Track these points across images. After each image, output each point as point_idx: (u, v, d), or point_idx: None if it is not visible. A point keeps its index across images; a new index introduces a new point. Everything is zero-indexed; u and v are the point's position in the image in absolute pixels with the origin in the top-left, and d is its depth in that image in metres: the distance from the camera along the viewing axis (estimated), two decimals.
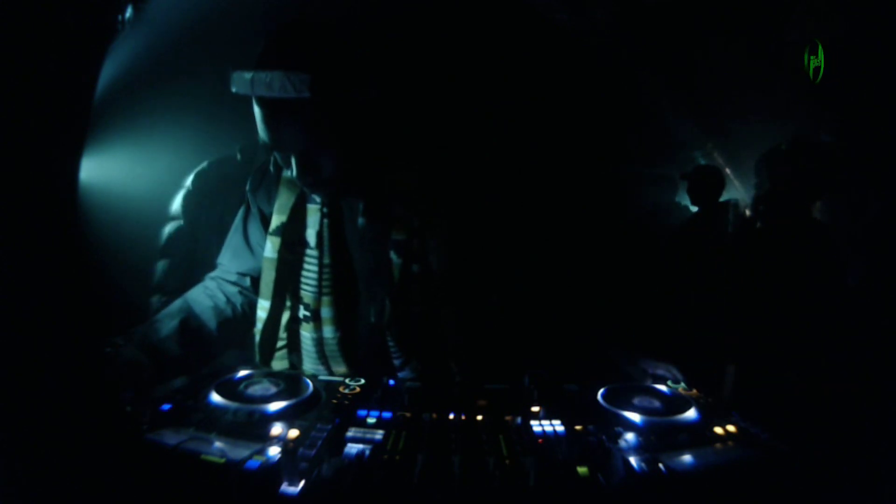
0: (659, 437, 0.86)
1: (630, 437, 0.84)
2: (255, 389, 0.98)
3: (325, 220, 1.16)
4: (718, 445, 0.86)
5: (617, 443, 0.83)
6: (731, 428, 0.90)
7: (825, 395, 1.61)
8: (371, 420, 0.91)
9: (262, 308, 1.18)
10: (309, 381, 1.02)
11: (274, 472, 0.71)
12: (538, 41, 2.30)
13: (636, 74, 2.70)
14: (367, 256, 1.17)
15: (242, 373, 1.08)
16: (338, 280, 1.17)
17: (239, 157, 1.71)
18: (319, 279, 1.16)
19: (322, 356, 1.19)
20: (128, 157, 1.86)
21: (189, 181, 1.79)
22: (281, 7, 1.94)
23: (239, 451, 0.75)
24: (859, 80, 1.83)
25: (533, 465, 0.74)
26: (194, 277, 1.59)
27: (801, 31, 1.88)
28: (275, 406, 0.91)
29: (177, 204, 1.80)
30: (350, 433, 0.85)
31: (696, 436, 0.88)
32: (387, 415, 0.93)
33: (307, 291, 1.18)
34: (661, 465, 0.75)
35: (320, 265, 1.16)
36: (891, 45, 1.69)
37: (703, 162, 2.93)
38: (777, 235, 2.01)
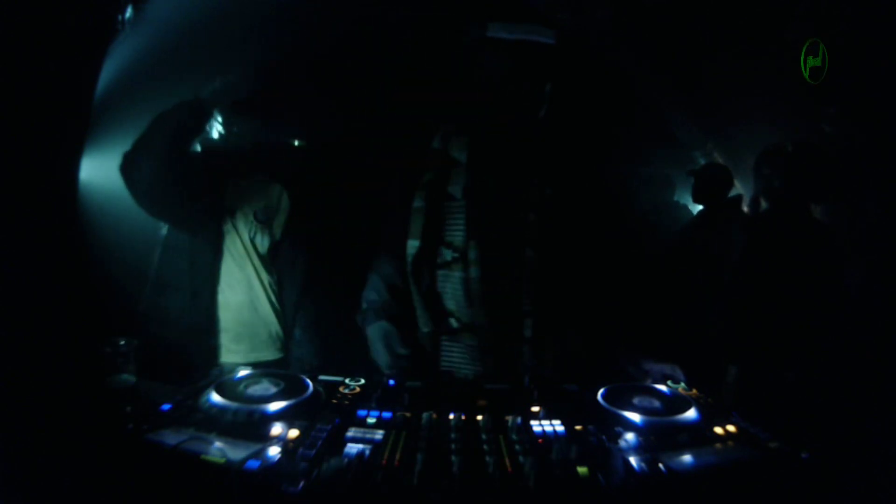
0: (659, 437, 0.86)
1: (630, 437, 0.84)
2: (255, 389, 0.98)
3: (472, 179, 1.33)
4: (718, 445, 0.86)
5: (617, 443, 0.83)
6: (731, 428, 0.90)
7: (825, 395, 1.61)
8: (371, 420, 0.91)
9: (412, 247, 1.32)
10: (309, 381, 1.02)
11: (274, 472, 0.71)
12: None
13: (636, 74, 2.70)
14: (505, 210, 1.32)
15: (242, 373, 1.08)
16: (482, 228, 1.30)
17: None
18: (467, 227, 1.30)
19: (468, 295, 1.29)
20: None
21: None
22: (280, 8, 1.95)
23: (239, 451, 0.75)
24: (859, 80, 1.83)
25: (533, 465, 0.74)
26: None
27: (801, 31, 1.88)
28: (275, 406, 0.91)
29: None
30: (350, 433, 0.85)
31: (696, 436, 0.88)
32: (387, 415, 0.93)
33: (455, 236, 1.32)
34: (661, 465, 0.75)
35: (468, 215, 1.31)
36: (891, 45, 1.69)
37: (703, 161, 2.93)
38: (777, 235, 2.00)
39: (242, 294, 1.68)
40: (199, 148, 1.70)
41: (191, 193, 1.57)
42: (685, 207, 3.10)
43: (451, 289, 1.32)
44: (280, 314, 1.74)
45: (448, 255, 1.31)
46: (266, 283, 1.72)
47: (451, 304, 1.32)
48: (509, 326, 1.29)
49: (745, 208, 2.37)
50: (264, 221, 1.72)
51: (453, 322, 1.32)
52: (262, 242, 1.72)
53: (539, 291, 1.30)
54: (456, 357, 1.33)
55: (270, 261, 1.75)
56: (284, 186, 1.78)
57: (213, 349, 1.62)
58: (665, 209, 3.17)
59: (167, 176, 1.47)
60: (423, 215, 1.31)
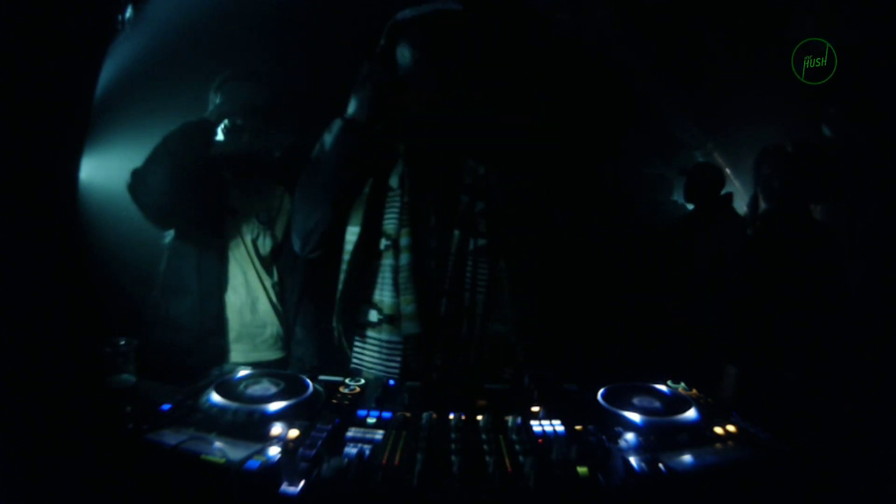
0: (659, 437, 0.86)
1: (630, 437, 0.84)
2: (255, 389, 0.98)
3: (407, 167, 1.34)
4: (718, 445, 0.86)
5: (617, 443, 0.83)
6: (731, 428, 0.90)
7: (825, 394, 1.61)
8: (371, 420, 0.91)
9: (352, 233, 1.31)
10: (309, 381, 1.02)
11: (274, 472, 0.71)
12: (538, 40, 2.30)
13: (636, 74, 2.70)
14: (440, 197, 1.34)
15: (242, 373, 1.08)
16: (415, 215, 1.31)
17: None
18: (400, 216, 1.31)
19: (396, 283, 1.28)
20: (128, 157, 1.86)
21: None
22: (280, 8, 1.95)
23: (239, 451, 0.75)
24: (859, 80, 1.82)
25: (533, 465, 0.74)
26: None
27: (802, 31, 1.88)
28: (275, 406, 0.91)
29: None
30: (350, 433, 0.85)
31: (696, 436, 0.88)
32: (387, 415, 0.93)
33: (389, 224, 1.32)
34: (661, 465, 0.75)
35: (402, 203, 1.31)
36: (891, 45, 1.69)
37: (702, 160, 2.94)
38: (777, 235, 2.00)
39: (244, 295, 1.68)
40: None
41: (199, 203, 1.59)
42: (682, 206, 3.11)
43: (379, 278, 1.31)
44: (281, 314, 1.74)
45: (382, 243, 1.32)
46: (267, 283, 1.72)
47: (376, 294, 1.31)
48: (435, 314, 1.28)
49: (745, 207, 2.38)
50: (266, 223, 1.73)
51: (374, 315, 1.30)
52: (265, 244, 1.72)
53: (462, 274, 1.30)
54: (368, 355, 1.31)
55: (272, 262, 1.75)
56: (286, 188, 1.78)
57: (222, 351, 1.63)
58: (662, 208, 3.18)
59: (176, 195, 1.51)
60: (366, 202, 1.31)
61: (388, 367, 1.27)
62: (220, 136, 1.65)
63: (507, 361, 1.32)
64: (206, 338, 1.61)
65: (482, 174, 1.36)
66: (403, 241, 1.29)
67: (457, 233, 1.31)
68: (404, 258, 1.28)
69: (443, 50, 1.27)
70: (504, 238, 1.35)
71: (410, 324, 1.25)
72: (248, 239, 1.69)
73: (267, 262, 1.74)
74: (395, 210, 1.32)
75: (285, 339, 1.76)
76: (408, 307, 1.25)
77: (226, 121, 1.63)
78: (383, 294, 1.29)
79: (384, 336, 1.28)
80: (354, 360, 1.33)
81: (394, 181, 1.34)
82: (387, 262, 1.30)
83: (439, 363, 1.27)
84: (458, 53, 1.29)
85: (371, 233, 1.32)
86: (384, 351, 1.28)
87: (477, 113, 1.38)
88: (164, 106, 1.69)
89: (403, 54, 1.28)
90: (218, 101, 1.66)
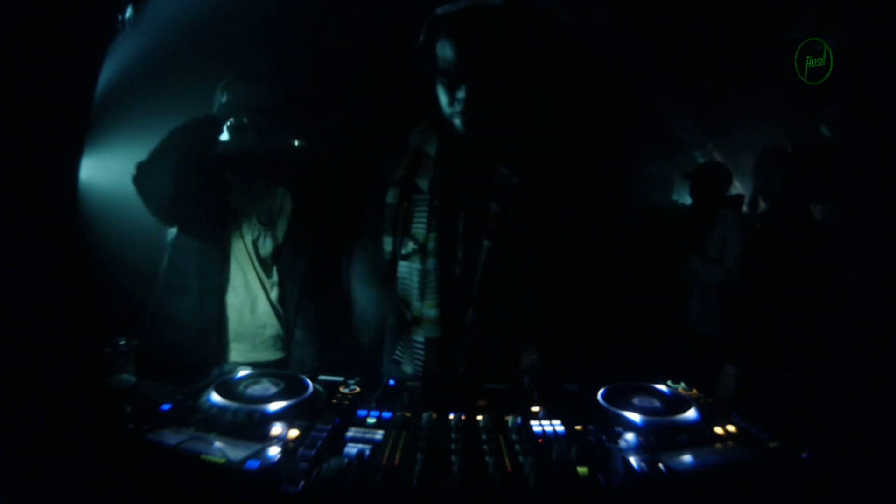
0: (659, 437, 0.86)
1: (630, 437, 0.84)
2: (255, 389, 0.98)
3: (438, 172, 1.33)
4: (718, 445, 0.86)
5: (617, 443, 0.83)
6: (731, 428, 0.90)
7: (825, 394, 1.61)
8: (371, 420, 0.91)
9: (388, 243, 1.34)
10: (309, 381, 1.02)
11: (274, 472, 0.71)
12: (538, 40, 2.30)
13: (636, 74, 2.70)
14: (471, 200, 1.33)
15: (242, 373, 1.08)
16: (443, 220, 1.31)
17: None
18: (429, 219, 1.30)
19: (422, 287, 1.29)
20: (128, 157, 1.86)
21: None
22: (280, 8, 1.95)
23: (239, 451, 0.76)
24: (859, 80, 1.83)
25: (533, 465, 0.74)
26: None
27: (802, 31, 1.88)
28: (275, 406, 0.91)
29: None
30: (350, 433, 0.85)
31: (696, 436, 0.88)
32: (387, 415, 0.93)
33: (418, 228, 1.31)
34: (661, 465, 0.75)
35: (430, 207, 1.31)
36: (891, 45, 1.69)
37: (702, 160, 2.94)
38: (777, 235, 2.00)
39: (244, 295, 1.68)
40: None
41: (201, 202, 1.60)
42: (683, 206, 3.10)
43: (407, 281, 1.32)
44: (281, 315, 1.74)
45: (410, 246, 1.32)
46: (267, 284, 1.72)
47: (405, 295, 1.33)
48: (458, 319, 1.28)
49: (746, 207, 2.38)
50: (267, 224, 1.73)
51: (407, 315, 1.32)
52: (265, 245, 1.72)
53: (490, 281, 1.29)
54: (405, 351, 1.33)
55: (272, 263, 1.75)
56: (287, 189, 1.78)
57: (221, 350, 1.63)
58: (662, 208, 3.17)
59: (180, 189, 1.50)
60: (395, 211, 1.32)
61: (418, 365, 1.30)
62: (224, 136, 1.65)
63: (523, 368, 1.32)
64: (206, 338, 1.61)
65: (515, 183, 1.33)
66: (431, 245, 1.29)
67: (486, 242, 1.30)
68: (430, 263, 1.28)
69: (484, 44, 1.24)
70: (531, 248, 1.34)
71: (431, 328, 1.27)
72: (249, 240, 1.69)
73: (267, 263, 1.74)
74: (424, 213, 1.31)
75: (285, 339, 1.76)
76: (430, 311, 1.27)
77: (231, 119, 1.63)
78: (411, 296, 1.31)
79: (415, 336, 1.31)
80: (396, 354, 1.36)
81: (423, 184, 1.33)
82: (414, 265, 1.31)
83: (459, 369, 1.28)
84: (498, 48, 1.27)
85: (401, 238, 1.33)
86: (416, 350, 1.31)
87: (512, 115, 1.37)
88: (164, 106, 1.69)
89: (444, 49, 1.26)
90: (224, 99, 1.66)
